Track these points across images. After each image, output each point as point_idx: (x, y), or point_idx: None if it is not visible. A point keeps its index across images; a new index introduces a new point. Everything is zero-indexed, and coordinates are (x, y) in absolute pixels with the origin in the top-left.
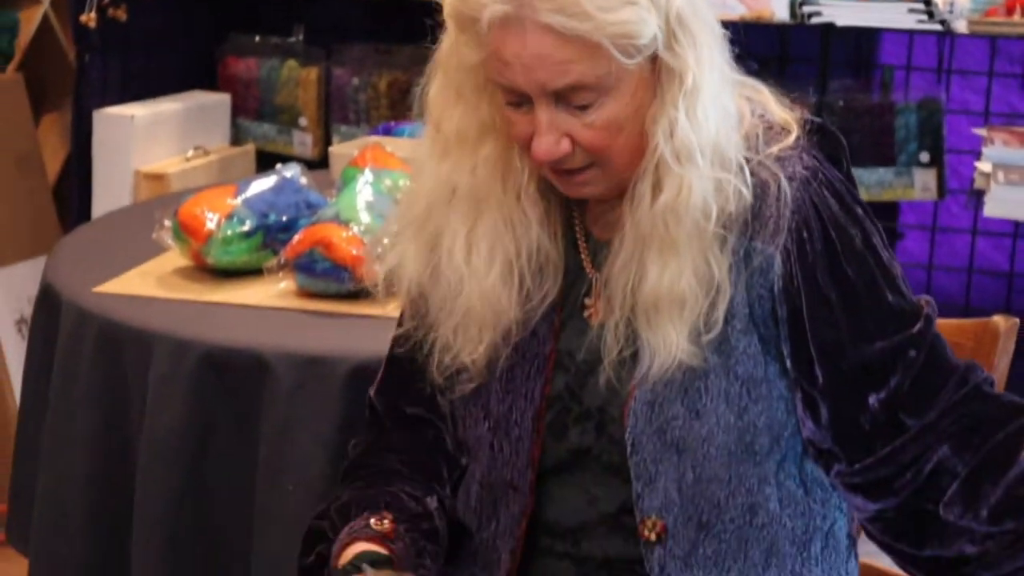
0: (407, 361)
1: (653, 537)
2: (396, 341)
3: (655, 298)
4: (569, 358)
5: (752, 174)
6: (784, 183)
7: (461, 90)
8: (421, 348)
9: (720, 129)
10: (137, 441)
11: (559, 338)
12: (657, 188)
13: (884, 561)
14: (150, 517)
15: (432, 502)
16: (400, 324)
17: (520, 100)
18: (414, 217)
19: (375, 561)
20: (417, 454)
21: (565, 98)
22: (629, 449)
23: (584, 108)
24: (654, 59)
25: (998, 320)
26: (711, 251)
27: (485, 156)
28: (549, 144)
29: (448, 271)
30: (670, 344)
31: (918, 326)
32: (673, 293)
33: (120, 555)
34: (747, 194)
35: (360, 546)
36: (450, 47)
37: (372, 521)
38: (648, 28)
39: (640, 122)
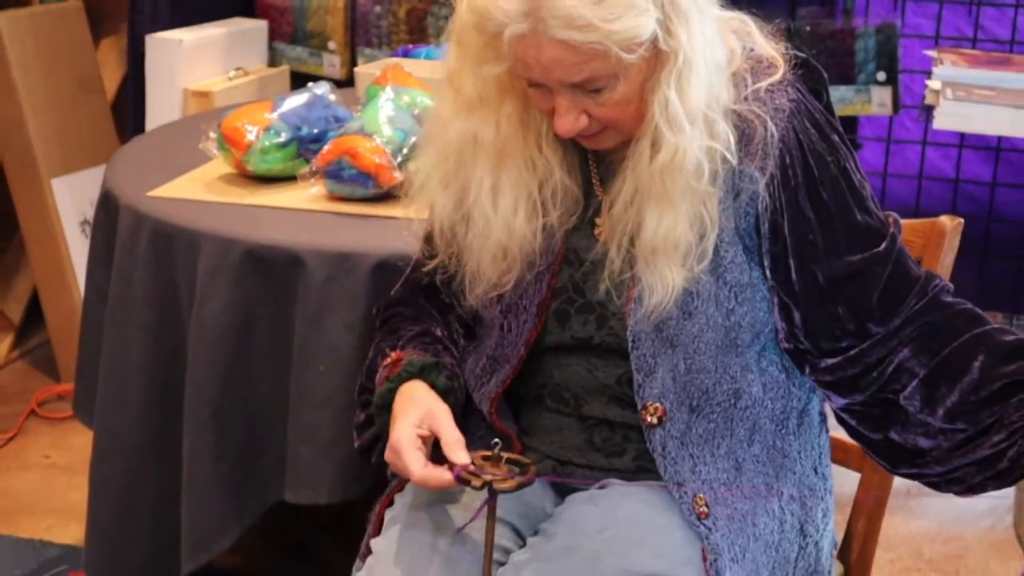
0: (428, 282)
1: (655, 421)
2: (425, 270)
3: (652, 245)
4: (575, 257)
5: (742, 112)
6: (771, 115)
7: (479, 59)
8: (454, 277)
9: (711, 94)
10: (187, 327)
11: (569, 240)
12: (655, 149)
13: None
14: (199, 393)
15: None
16: (430, 257)
17: (540, 84)
18: (445, 169)
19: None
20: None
21: (580, 86)
22: (630, 344)
23: (598, 91)
24: (654, 41)
25: (944, 220)
26: (703, 202)
27: (507, 114)
28: (570, 122)
29: (477, 216)
30: (667, 283)
31: (884, 244)
32: (669, 240)
33: (172, 426)
34: (732, 158)
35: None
36: (465, 27)
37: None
38: (648, 26)
39: (643, 95)
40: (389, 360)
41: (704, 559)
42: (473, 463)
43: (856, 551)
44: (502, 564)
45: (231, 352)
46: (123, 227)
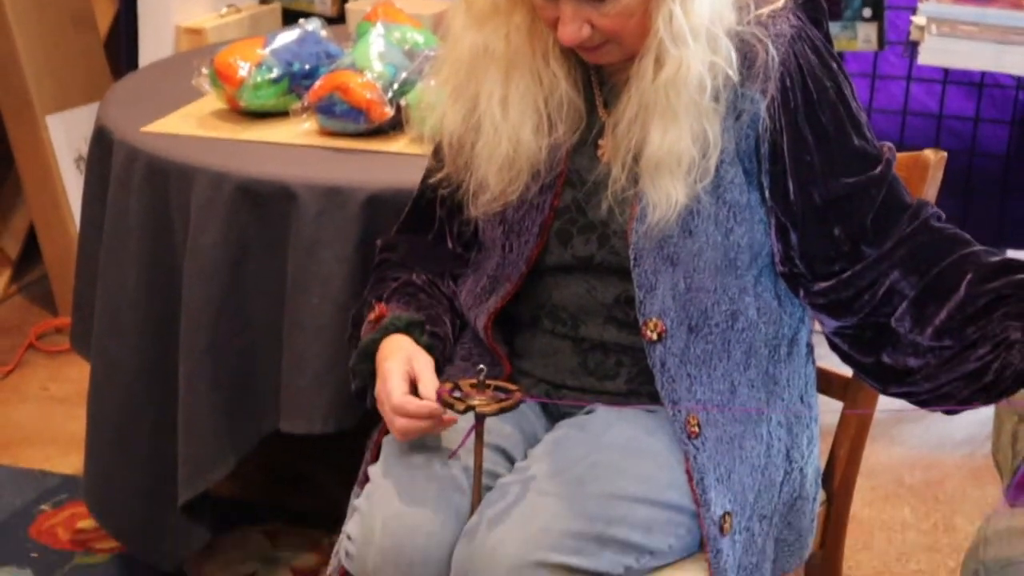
0: (436, 201)
1: (655, 336)
2: (430, 186)
3: (656, 160)
4: (578, 177)
5: (744, 35)
6: (772, 39)
7: None
8: (459, 188)
9: (715, 11)
10: (182, 260)
11: (571, 160)
12: (659, 65)
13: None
14: (194, 324)
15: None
16: (436, 169)
17: None
18: (456, 81)
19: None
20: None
21: None
22: (632, 261)
23: (601, 1)
24: None
25: (928, 154)
26: (706, 117)
27: (517, 24)
28: (573, 31)
29: (487, 125)
30: (670, 198)
31: (879, 168)
32: (672, 154)
33: (168, 357)
34: (733, 75)
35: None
36: None
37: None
38: None
39: (647, 9)
40: (374, 314)
41: (690, 479)
42: (459, 388)
43: (838, 478)
44: (491, 488)
45: (225, 284)
46: (117, 163)
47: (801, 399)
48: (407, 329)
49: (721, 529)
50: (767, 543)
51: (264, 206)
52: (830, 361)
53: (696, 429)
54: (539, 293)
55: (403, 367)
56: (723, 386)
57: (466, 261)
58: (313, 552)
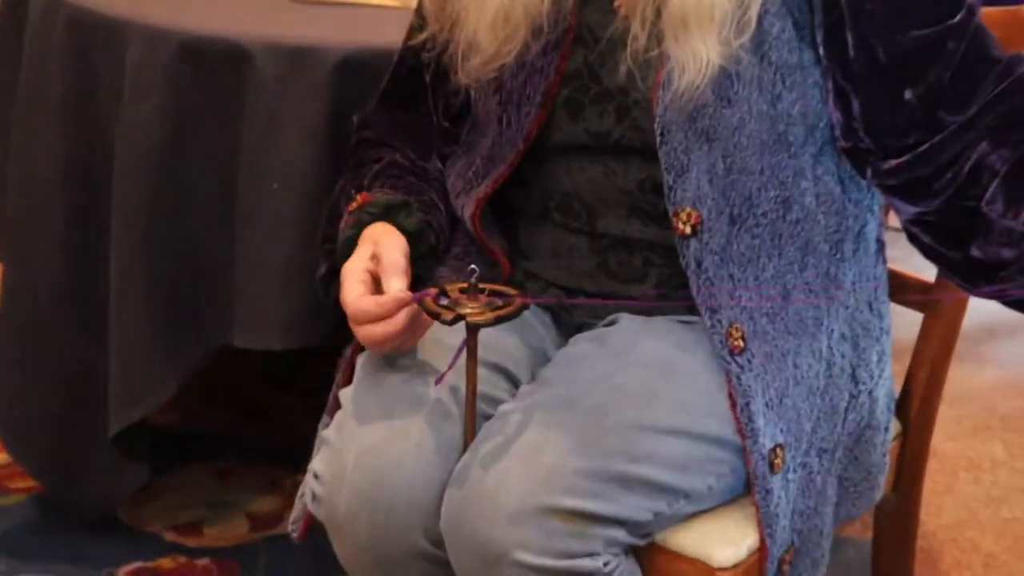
0: (420, 68)
1: (688, 230)
2: (412, 49)
3: (682, 14)
4: (590, 34)
5: None
6: None
7: None
8: (445, 51)
9: None
10: (112, 137)
11: (580, 13)
12: None
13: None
14: (127, 215)
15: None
16: (419, 28)
17: None
18: None
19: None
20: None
21: None
22: (659, 138)
23: None
24: None
25: None
26: None
27: None
28: None
29: None
30: (700, 59)
31: (959, 16)
32: (702, 6)
33: (93, 255)
34: None
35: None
36: None
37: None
38: None
39: None
40: (355, 204)
41: (733, 405)
42: (445, 293)
43: (916, 407)
44: (490, 417)
45: (164, 166)
46: (34, 16)
47: (870, 307)
48: (386, 214)
49: (771, 465)
50: (828, 483)
51: (212, 70)
52: (908, 263)
53: (740, 343)
54: (546, 179)
55: (363, 263)
56: (774, 290)
57: (456, 138)
58: (273, 495)
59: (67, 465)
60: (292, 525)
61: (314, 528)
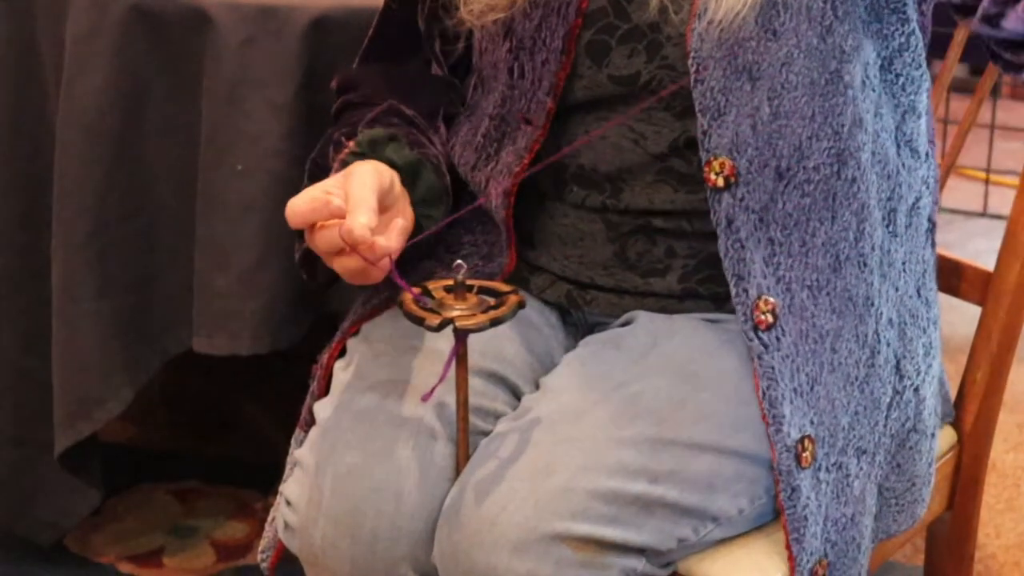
0: (412, 14)
1: (720, 182)
2: None
3: None
4: None
5: None
6: None
7: None
8: None
9: None
10: (54, 113)
11: None
12: None
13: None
14: (71, 203)
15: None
16: None
17: None
18: None
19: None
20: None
21: None
22: (693, 77)
23: None
24: None
25: None
26: None
27: None
28: None
29: None
30: None
31: None
32: None
33: (36, 250)
34: None
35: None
36: None
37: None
38: None
39: None
40: (345, 151)
41: (756, 389)
42: (429, 293)
43: (973, 413)
44: (489, 433)
45: (114, 146)
46: None
47: (918, 293)
48: (372, 149)
49: (798, 459)
50: (867, 490)
51: (166, 35)
52: (963, 249)
53: (769, 317)
54: (561, 145)
55: (320, 190)
56: (824, 259)
57: (461, 94)
58: (241, 519)
59: (8, 488)
60: (262, 555)
61: (288, 558)
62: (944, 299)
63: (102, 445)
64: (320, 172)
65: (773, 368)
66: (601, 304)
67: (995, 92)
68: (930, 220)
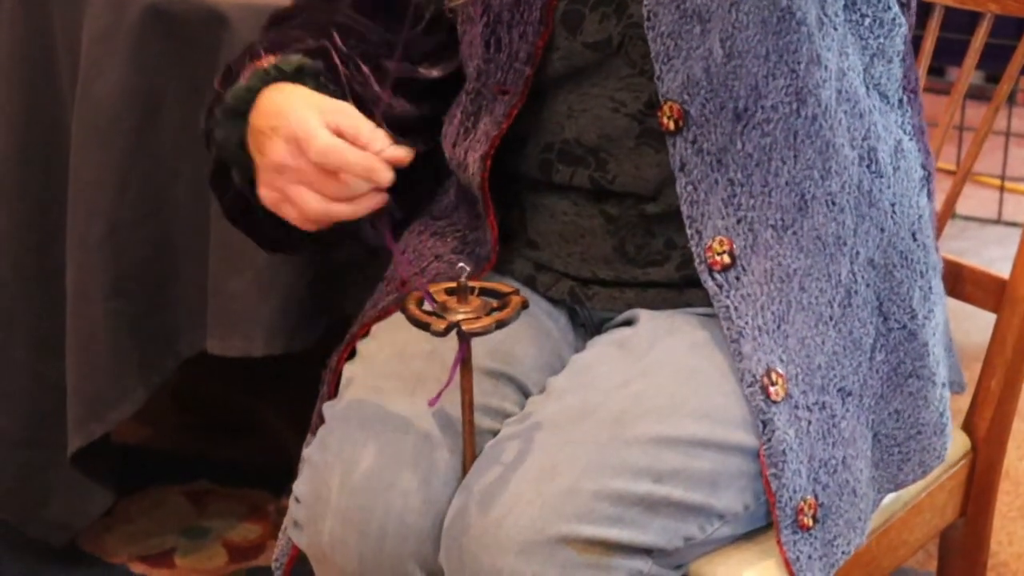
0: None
1: (672, 126)
2: None
3: None
4: None
5: None
6: None
7: None
8: None
9: None
10: (69, 115)
11: None
12: None
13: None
14: (88, 203)
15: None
16: None
17: None
18: None
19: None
20: None
21: None
22: (646, 25)
23: None
24: None
25: None
26: None
27: None
28: None
29: None
30: None
31: None
32: None
33: (50, 251)
34: None
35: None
36: None
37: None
38: None
39: None
40: (261, 63)
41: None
42: (431, 297)
43: (987, 419)
44: (496, 434)
45: (130, 146)
46: None
47: (913, 237)
48: (300, 76)
49: (765, 392)
50: (858, 432)
51: (183, 35)
52: (978, 256)
53: (725, 258)
54: (543, 123)
55: (321, 118)
56: (789, 198)
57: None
58: (254, 521)
59: (21, 489)
60: (275, 563)
61: (301, 562)
62: (959, 306)
63: (115, 446)
64: (226, 84)
65: (737, 307)
66: (603, 299)
67: (1011, 99)
68: (924, 168)
